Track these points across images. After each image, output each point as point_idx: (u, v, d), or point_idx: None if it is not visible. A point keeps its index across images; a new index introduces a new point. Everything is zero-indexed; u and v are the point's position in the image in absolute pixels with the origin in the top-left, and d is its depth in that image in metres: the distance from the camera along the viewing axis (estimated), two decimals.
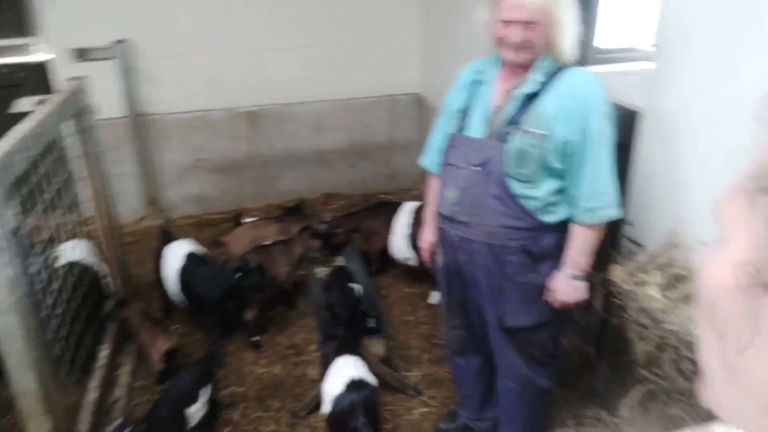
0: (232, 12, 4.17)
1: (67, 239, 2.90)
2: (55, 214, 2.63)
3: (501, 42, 1.86)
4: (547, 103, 1.83)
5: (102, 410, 2.60)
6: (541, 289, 2.00)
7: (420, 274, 3.52)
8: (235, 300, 3.09)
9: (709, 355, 0.45)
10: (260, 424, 2.66)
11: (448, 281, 2.22)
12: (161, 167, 4.41)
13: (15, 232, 1.92)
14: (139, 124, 4.21)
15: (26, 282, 1.97)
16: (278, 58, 4.38)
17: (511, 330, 2.07)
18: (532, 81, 1.86)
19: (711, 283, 0.44)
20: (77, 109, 2.77)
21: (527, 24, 1.78)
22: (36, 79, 3.92)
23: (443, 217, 2.08)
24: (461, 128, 2.01)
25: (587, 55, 2.80)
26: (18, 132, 2.05)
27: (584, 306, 2.04)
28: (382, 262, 3.69)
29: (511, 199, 1.90)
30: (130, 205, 4.25)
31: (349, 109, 4.66)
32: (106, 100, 3.44)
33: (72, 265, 2.78)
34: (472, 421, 2.52)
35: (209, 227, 4.34)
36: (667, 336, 1.80)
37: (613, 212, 1.89)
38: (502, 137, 1.89)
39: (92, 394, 2.59)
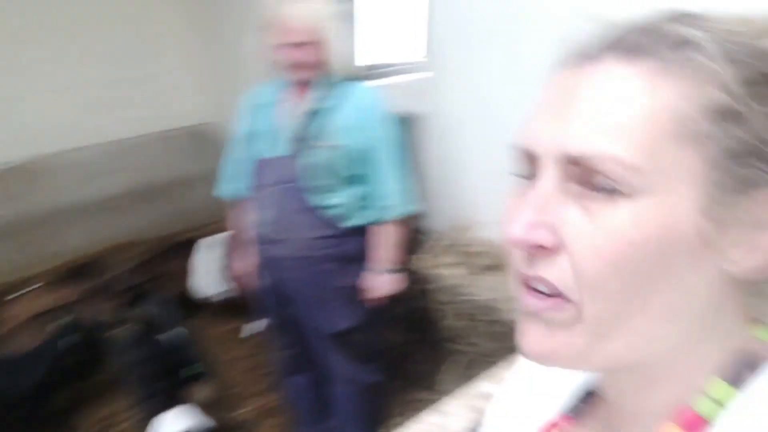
0: None
1: None
2: None
3: (282, 64, 1.92)
4: (334, 117, 1.95)
5: None
6: (355, 290, 2.11)
7: (230, 310, 3.42)
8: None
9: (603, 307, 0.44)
10: None
11: (272, 302, 2.22)
12: None
13: None
14: None
15: None
16: (33, 102, 3.93)
17: (336, 335, 2.14)
18: (317, 98, 1.96)
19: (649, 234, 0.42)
20: None
21: (300, 45, 1.87)
22: None
23: (259, 239, 2.08)
24: (259, 151, 2.03)
25: (363, 72, 2.99)
26: None
27: (400, 297, 2.18)
28: (190, 303, 3.51)
29: (316, 210, 1.99)
30: None
31: (125, 150, 4.35)
32: None
33: None
34: None
35: None
36: (469, 307, 2.02)
37: (410, 207, 2.06)
38: (299, 153, 1.96)
39: None
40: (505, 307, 1.88)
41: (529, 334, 0.46)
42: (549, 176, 0.44)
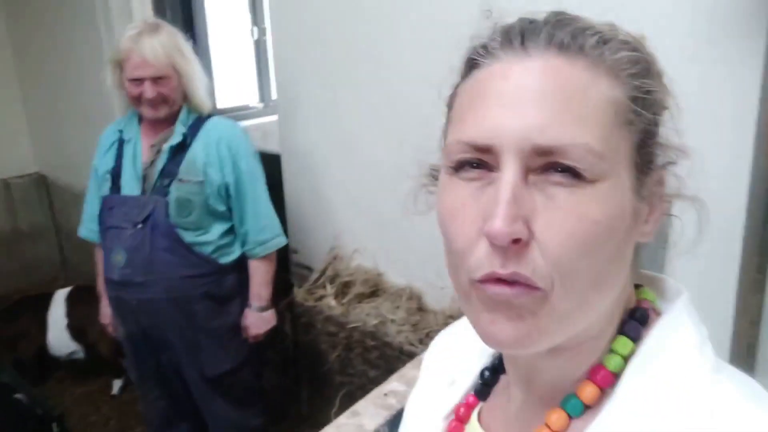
0: None
1: None
2: None
3: (136, 100, 1.87)
4: (196, 152, 1.90)
5: None
6: (233, 329, 2.04)
7: (92, 367, 3.13)
8: None
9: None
10: None
11: (135, 353, 2.07)
12: None
13: None
14: None
15: None
16: None
17: (214, 379, 2.04)
18: (176, 133, 1.91)
19: (606, 213, 0.45)
20: None
21: (157, 79, 1.83)
22: None
23: (115, 284, 1.94)
24: (115, 189, 1.93)
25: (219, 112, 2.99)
26: None
27: (273, 334, 2.15)
28: (41, 366, 3.15)
29: (184, 248, 1.90)
30: None
31: None
32: None
33: None
34: None
35: None
36: (352, 335, 2.05)
37: (280, 240, 2.05)
38: (160, 191, 1.89)
39: None
40: (389, 331, 1.93)
41: (498, 323, 0.46)
42: (512, 169, 0.44)
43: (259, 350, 2.14)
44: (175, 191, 1.87)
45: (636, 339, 0.51)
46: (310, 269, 2.43)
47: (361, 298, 2.13)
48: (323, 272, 2.28)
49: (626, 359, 0.50)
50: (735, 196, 1.16)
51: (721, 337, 1.20)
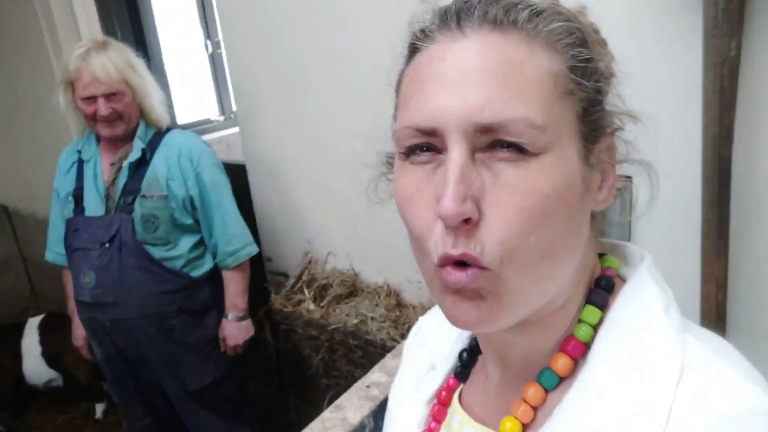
0: None
1: None
2: None
3: (91, 119, 1.84)
4: (156, 166, 1.88)
5: None
6: (211, 342, 2.02)
7: (71, 395, 3.07)
8: None
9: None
10: None
11: (114, 373, 2.04)
12: None
13: None
14: None
15: None
16: None
17: (197, 393, 2.01)
18: (135, 149, 1.88)
19: (559, 186, 0.45)
20: None
21: (110, 96, 1.80)
22: None
23: (87, 305, 1.91)
24: (79, 210, 1.90)
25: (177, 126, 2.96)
26: None
27: (254, 343, 2.14)
28: (17, 397, 3.07)
29: (154, 264, 1.88)
30: None
31: None
32: None
33: None
34: None
35: None
36: (333, 336, 2.05)
37: (251, 249, 2.03)
38: (124, 208, 1.86)
39: None
40: (370, 329, 1.94)
41: (462, 308, 0.47)
42: (458, 149, 0.45)
43: (240, 361, 2.12)
44: (140, 208, 1.85)
45: (603, 307, 0.52)
46: (285, 275, 2.43)
47: (340, 299, 2.13)
48: (299, 277, 2.27)
49: (595, 328, 0.51)
50: (690, 165, 1.20)
51: (691, 302, 1.23)
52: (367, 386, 0.83)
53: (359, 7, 1.80)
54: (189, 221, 1.92)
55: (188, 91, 3.59)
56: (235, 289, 2.02)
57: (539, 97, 0.45)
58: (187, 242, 1.94)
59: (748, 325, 1.26)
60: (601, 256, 0.57)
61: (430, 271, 0.49)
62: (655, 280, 0.52)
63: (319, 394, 2.24)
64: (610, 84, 0.52)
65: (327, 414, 0.79)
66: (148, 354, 1.95)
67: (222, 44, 2.70)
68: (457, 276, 0.45)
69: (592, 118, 0.49)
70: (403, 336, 1.88)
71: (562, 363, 0.51)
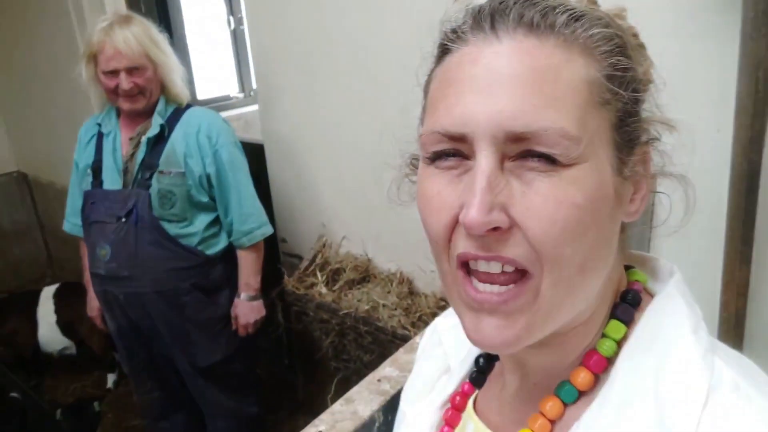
0: None
1: None
2: None
3: (113, 93, 1.84)
4: (175, 143, 1.88)
5: None
6: (223, 320, 2.03)
7: (84, 364, 3.12)
8: None
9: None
10: None
11: (126, 346, 2.06)
12: None
13: None
14: None
15: None
16: None
17: (207, 369, 2.03)
18: (154, 124, 1.88)
19: (588, 196, 0.44)
20: None
21: (132, 70, 1.80)
22: None
23: (102, 278, 1.93)
24: (97, 184, 1.91)
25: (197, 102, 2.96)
26: None
27: (266, 323, 2.15)
28: (36, 363, 3.14)
29: (169, 241, 1.89)
30: None
31: None
32: None
33: None
34: None
35: None
36: (344, 321, 2.05)
37: (266, 229, 2.03)
38: (142, 183, 1.87)
39: None
40: (381, 316, 1.94)
41: (487, 328, 0.46)
42: (487, 157, 0.43)
43: (251, 340, 2.13)
44: (157, 183, 1.85)
45: (628, 322, 0.50)
46: (299, 258, 2.43)
47: (352, 284, 2.13)
48: (313, 260, 2.27)
49: (619, 343, 0.50)
50: (718, 168, 1.16)
51: (710, 309, 1.21)
52: (378, 380, 0.83)
53: None
54: (205, 199, 1.92)
55: (209, 66, 3.58)
56: (248, 268, 2.03)
57: (574, 106, 0.43)
58: (202, 220, 1.94)
59: (767, 335, 1.24)
60: (627, 268, 0.56)
61: (447, 278, 0.48)
62: (684, 298, 0.51)
63: (328, 376, 2.25)
64: (647, 91, 0.50)
65: (337, 406, 0.79)
66: (161, 329, 1.97)
67: (245, 20, 2.68)
68: (485, 296, 0.45)
69: (627, 128, 0.47)
70: (414, 325, 1.88)
71: (582, 377, 0.50)
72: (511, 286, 0.45)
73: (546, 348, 0.51)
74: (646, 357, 0.48)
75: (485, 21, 0.46)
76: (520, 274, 0.45)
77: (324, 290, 2.16)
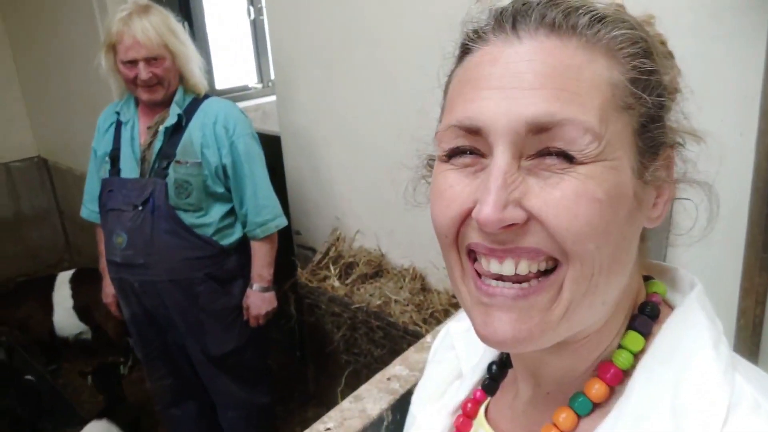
0: None
1: None
2: None
3: (132, 83, 1.85)
4: (192, 133, 1.88)
5: None
6: (236, 310, 2.04)
7: (100, 348, 3.16)
8: None
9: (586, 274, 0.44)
10: None
11: (140, 333, 2.08)
12: None
13: None
14: None
15: None
16: None
17: (219, 358, 2.05)
18: (172, 114, 1.89)
19: (609, 195, 0.43)
20: None
21: (150, 60, 1.81)
22: None
23: (117, 265, 1.95)
24: (114, 172, 1.92)
25: (215, 93, 2.97)
26: None
27: (278, 315, 2.16)
28: (51, 348, 3.19)
29: (184, 230, 1.90)
30: None
31: None
32: None
33: None
34: None
35: None
36: (356, 315, 2.05)
37: (280, 221, 2.03)
38: (159, 172, 1.88)
39: None
40: (393, 312, 1.94)
41: (497, 323, 0.45)
42: (503, 153, 0.43)
43: (263, 331, 2.14)
44: (173, 173, 1.86)
45: (646, 335, 0.49)
46: (313, 250, 2.44)
47: (365, 279, 2.13)
48: (326, 253, 2.28)
49: (636, 356, 0.49)
50: (740, 173, 1.14)
51: (726, 316, 1.19)
52: (388, 378, 0.83)
53: None
54: (221, 190, 1.93)
55: (228, 56, 3.59)
56: (262, 260, 2.03)
57: (596, 105, 0.43)
58: (218, 210, 1.95)
59: None
60: (647, 278, 0.54)
61: (455, 272, 0.48)
62: (705, 311, 0.49)
63: (339, 369, 2.26)
64: (674, 100, 0.48)
65: (346, 404, 0.79)
66: (174, 317, 1.99)
67: (264, 11, 2.68)
68: (505, 291, 0.44)
69: (650, 134, 0.46)
70: (426, 321, 1.87)
71: (597, 389, 0.49)
72: (534, 282, 0.44)
73: (560, 354, 0.50)
74: (665, 371, 0.46)
75: (507, 22, 0.45)
76: (540, 274, 0.45)
77: (337, 284, 2.16)
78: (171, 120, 1.88)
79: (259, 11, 3.50)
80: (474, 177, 0.45)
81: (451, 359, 0.68)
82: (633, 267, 0.49)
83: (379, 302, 1.98)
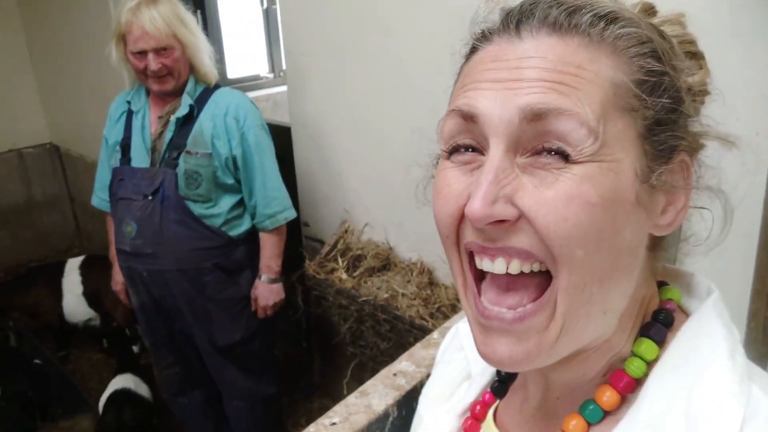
0: None
1: None
2: None
3: (142, 74, 1.84)
4: (203, 124, 1.88)
5: None
6: (243, 301, 2.05)
7: (108, 334, 3.19)
8: None
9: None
10: None
11: (148, 321, 2.10)
12: None
13: None
14: None
15: None
16: None
17: (226, 348, 2.06)
18: (183, 104, 1.89)
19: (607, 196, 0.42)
20: None
21: (160, 50, 1.80)
22: None
23: (126, 254, 1.96)
24: (125, 161, 1.93)
25: (226, 83, 2.97)
26: None
27: (285, 306, 2.17)
28: (61, 333, 3.22)
29: (193, 220, 1.90)
30: None
31: None
32: None
33: None
34: None
35: None
36: (363, 308, 2.06)
37: (289, 213, 2.03)
38: (169, 162, 1.88)
39: None
40: (399, 305, 1.94)
41: (498, 345, 0.45)
42: (497, 145, 0.43)
43: (270, 321, 2.15)
44: (183, 163, 1.86)
45: (660, 343, 0.48)
46: (321, 242, 2.44)
47: (372, 272, 2.13)
48: (334, 246, 2.28)
49: (648, 363, 0.48)
50: (754, 172, 1.13)
51: (737, 318, 1.18)
52: (394, 374, 0.83)
53: None
54: (230, 181, 1.93)
55: (240, 45, 3.58)
56: (270, 251, 2.04)
57: (594, 101, 0.42)
58: (227, 201, 1.96)
59: None
60: (661, 284, 0.53)
61: (459, 279, 0.48)
62: (721, 319, 0.48)
63: (345, 361, 2.27)
64: (700, 102, 0.47)
65: (351, 399, 0.79)
66: (182, 306, 2.00)
67: (277, 0, 2.67)
68: (501, 315, 0.44)
69: (657, 138, 0.44)
70: (432, 315, 1.87)
71: (608, 397, 0.48)
72: (529, 306, 0.44)
73: (566, 366, 0.50)
74: (678, 379, 0.45)
75: (512, 22, 0.46)
76: (535, 289, 0.45)
77: (344, 276, 2.16)
78: (183, 110, 1.88)
79: (271, 0, 3.49)
80: (471, 174, 0.45)
81: (460, 360, 0.68)
82: (642, 273, 0.48)
83: (386, 295, 1.98)
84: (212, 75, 1.95)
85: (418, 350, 0.85)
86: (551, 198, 0.41)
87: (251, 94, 2.94)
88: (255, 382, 2.17)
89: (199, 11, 3.04)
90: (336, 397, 2.39)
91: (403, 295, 1.96)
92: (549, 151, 0.42)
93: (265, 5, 3.53)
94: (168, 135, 1.89)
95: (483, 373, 0.64)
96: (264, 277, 2.04)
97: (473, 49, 0.49)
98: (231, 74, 3.40)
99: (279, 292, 2.08)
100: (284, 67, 3.09)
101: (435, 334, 0.91)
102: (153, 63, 1.80)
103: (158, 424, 2.55)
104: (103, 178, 2.07)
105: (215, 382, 2.20)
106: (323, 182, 2.38)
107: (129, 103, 1.98)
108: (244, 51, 3.63)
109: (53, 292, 3.05)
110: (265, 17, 3.55)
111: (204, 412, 2.31)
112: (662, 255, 0.52)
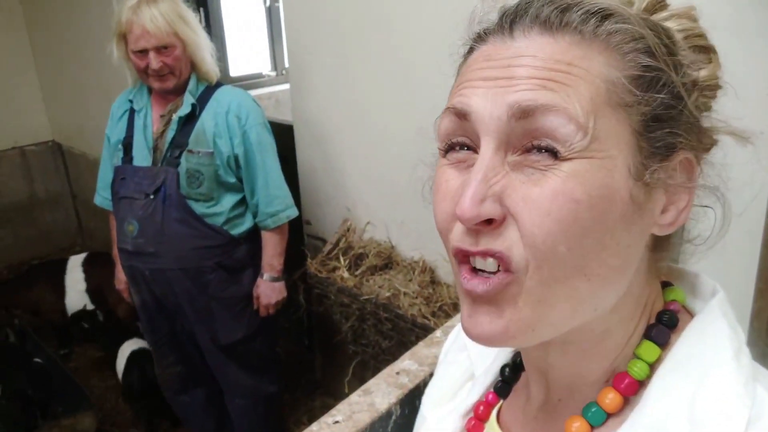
0: None
1: None
2: None
3: (143, 73, 1.84)
4: (205, 122, 1.88)
5: None
6: (245, 299, 2.05)
7: (109, 331, 3.19)
8: None
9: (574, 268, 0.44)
10: None
11: (150, 320, 2.10)
12: None
13: None
14: None
15: None
16: None
17: (228, 346, 2.06)
18: (185, 103, 1.89)
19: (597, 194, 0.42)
20: None
21: (161, 49, 1.80)
22: None
23: (128, 253, 1.96)
24: (127, 159, 1.93)
25: (228, 81, 2.97)
26: None
27: (287, 304, 2.17)
28: (63, 331, 3.22)
29: (195, 219, 1.90)
30: None
31: None
32: None
33: None
34: None
35: None
36: (365, 306, 2.06)
37: (291, 212, 2.03)
38: (171, 161, 1.88)
39: None
40: (401, 304, 1.94)
41: (478, 319, 0.45)
42: (488, 144, 0.43)
43: (272, 320, 2.15)
44: (185, 162, 1.86)
45: (663, 345, 0.48)
46: (323, 240, 2.44)
47: (374, 270, 2.13)
48: (336, 244, 2.28)
49: (651, 365, 0.48)
50: (759, 171, 1.13)
51: (739, 317, 1.18)
52: (397, 373, 0.83)
53: None
54: (232, 180, 1.93)
55: (242, 43, 3.58)
56: (272, 249, 2.04)
57: (584, 97, 0.42)
58: (229, 200, 1.96)
59: None
60: (665, 285, 0.53)
61: (454, 267, 0.48)
62: (726, 320, 0.48)
63: (346, 359, 2.27)
64: (710, 97, 0.47)
65: (354, 397, 0.79)
66: (184, 305, 2.00)
67: None
68: (473, 283, 0.44)
69: (653, 135, 0.44)
70: (434, 314, 1.87)
71: (611, 399, 0.48)
72: (498, 274, 0.44)
73: (564, 357, 0.50)
74: (682, 381, 0.45)
75: (506, 22, 0.46)
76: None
77: (346, 275, 2.16)
78: (185, 109, 1.88)
79: None
80: (466, 172, 0.45)
81: (463, 360, 0.68)
82: (644, 274, 0.48)
83: (388, 294, 1.98)
84: (214, 73, 1.95)
85: (420, 349, 0.85)
86: (536, 195, 0.42)
87: (253, 92, 2.94)
88: (257, 380, 2.17)
89: (201, 9, 3.04)
90: (337, 395, 2.39)
91: (404, 293, 1.96)
92: (539, 149, 0.42)
93: (268, 3, 3.52)
94: (170, 134, 1.89)
95: (486, 374, 0.63)
96: (266, 276, 2.04)
97: (470, 50, 0.49)
98: (233, 72, 3.40)
99: (281, 290, 2.08)
100: (287, 65, 3.10)
101: (438, 333, 0.91)
102: (154, 61, 1.79)
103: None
104: (105, 177, 2.08)
105: (217, 381, 2.20)
106: (325, 180, 2.38)
107: (131, 101, 1.98)
108: (246, 49, 3.63)
109: (55, 290, 3.06)
110: (267, 15, 3.55)
111: (206, 410, 2.31)
112: (666, 255, 0.51)
